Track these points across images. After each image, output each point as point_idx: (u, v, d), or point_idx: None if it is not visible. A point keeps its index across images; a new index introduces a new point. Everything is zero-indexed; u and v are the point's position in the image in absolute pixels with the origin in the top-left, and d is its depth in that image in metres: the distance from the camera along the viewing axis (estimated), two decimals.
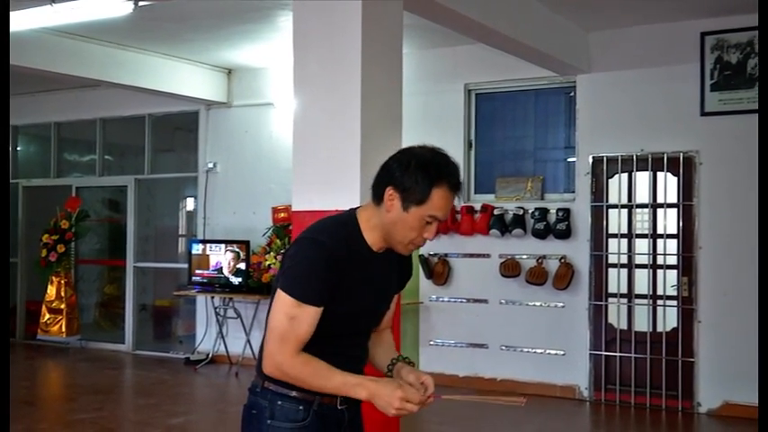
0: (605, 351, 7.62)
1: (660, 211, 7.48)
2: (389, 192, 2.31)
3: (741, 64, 7.11)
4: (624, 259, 7.60)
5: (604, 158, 7.62)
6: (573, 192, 7.87)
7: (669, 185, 7.43)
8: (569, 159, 8.03)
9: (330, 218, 2.46)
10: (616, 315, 7.64)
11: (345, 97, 4.47)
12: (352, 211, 2.44)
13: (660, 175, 7.47)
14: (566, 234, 7.71)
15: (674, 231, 7.40)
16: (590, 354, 7.67)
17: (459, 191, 2.36)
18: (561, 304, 7.78)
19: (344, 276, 2.30)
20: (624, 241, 7.60)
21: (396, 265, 2.49)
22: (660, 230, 7.47)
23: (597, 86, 7.71)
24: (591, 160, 7.68)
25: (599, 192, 7.67)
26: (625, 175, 7.61)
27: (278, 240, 8.77)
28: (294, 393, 2.33)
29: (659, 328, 7.45)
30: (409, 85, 6.55)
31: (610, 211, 7.66)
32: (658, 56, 7.45)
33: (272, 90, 9.26)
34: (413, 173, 2.29)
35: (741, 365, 7.03)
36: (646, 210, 7.57)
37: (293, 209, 4.75)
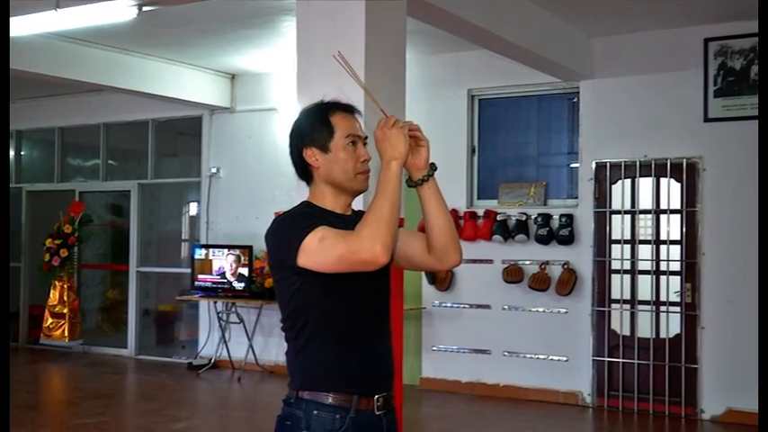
0: (608, 357, 7.60)
1: (663, 217, 7.47)
2: (306, 153, 2.38)
3: (744, 70, 7.10)
4: (627, 265, 7.58)
5: (607, 164, 7.62)
6: (576, 197, 7.88)
7: (672, 191, 7.42)
8: (572, 165, 8.03)
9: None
10: (619, 321, 7.61)
11: (348, 102, 4.47)
12: (301, 203, 2.46)
13: (663, 181, 7.45)
14: (569, 240, 7.70)
15: (678, 237, 7.39)
16: (593, 360, 7.65)
17: (353, 111, 2.45)
18: (564, 310, 7.78)
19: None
20: (627, 247, 7.59)
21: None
22: (663, 236, 7.46)
23: (600, 92, 7.72)
24: (594, 166, 7.68)
25: (602, 197, 7.67)
26: (628, 181, 7.60)
27: None
28: (330, 400, 2.28)
29: (662, 335, 7.43)
30: (412, 91, 6.54)
31: (613, 216, 7.65)
32: (662, 62, 7.46)
33: (276, 95, 9.28)
34: (305, 124, 2.41)
35: (745, 372, 7.00)
36: (649, 216, 7.55)
37: None
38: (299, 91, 4.69)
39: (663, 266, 7.45)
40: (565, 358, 7.78)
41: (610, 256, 7.63)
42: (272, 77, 9.37)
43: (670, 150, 7.38)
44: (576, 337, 7.75)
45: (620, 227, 7.62)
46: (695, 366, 7.26)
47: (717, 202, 7.23)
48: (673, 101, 7.40)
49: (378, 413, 2.34)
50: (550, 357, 7.85)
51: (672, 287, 7.40)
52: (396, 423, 2.45)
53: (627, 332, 7.58)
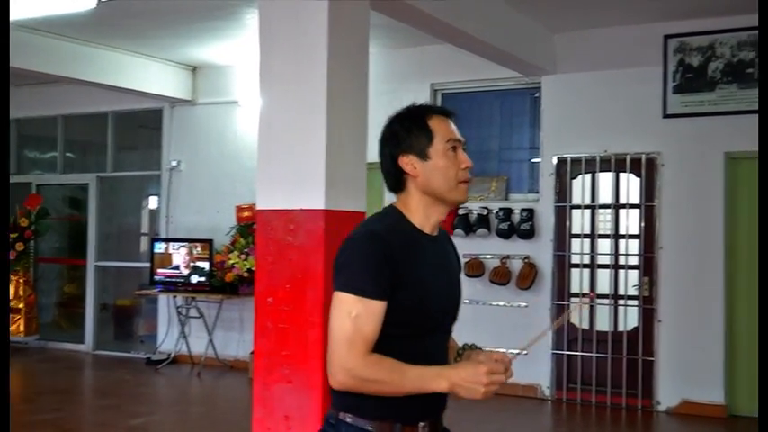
0: (567, 350, 7.73)
1: (622, 212, 7.62)
2: (402, 160, 2.20)
3: (702, 67, 7.25)
4: (586, 259, 7.72)
5: (568, 159, 7.74)
6: (537, 192, 7.98)
7: (631, 186, 7.57)
8: (533, 160, 8.14)
9: (369, 217, 2.32)
10: (578, 315, 7.73)
11: (311, 96, 4.49)
12: (388, 206, 2.27)
13: (623, 176, 7.60)
14: (529, 234, 7.81)
15: (636, 232, 7.54)
16: (552, 353, 7.77)
17: (450, 114, 2.26)
18: (524, 304, 7.87)
19: (404, 263, 2.11)
20: (587, 241, 7.73)
21: (450, 248, 2.35)
22: (622, 231, 7.61)
23: (562, 88, 7.82)
24: (555, 161, 7.80)
25: (562, 192, 7.79)
26: (588, 176, 7.74)
27: (242, 239, 8.76)
28: (370, 427, 2.13)
29: (620, 328, 7.59)
30: (376, 85, 6.57)
31: (573, 211, 7.78)
32: (622, 58, 7.58)
33: (238, 88, 9.25)
34: (402, 129, 2.22)
35: (700, 364, 7.19)
36: (608, 210, 7.70)
37: (257, 207, 4.76)
38: (262, 84, 4.70)
39: (621, 260, 7.60)
40: (525, 353, 7.83)
41: (569, 250, 7.75)
42: (235, 70, 9.34)
43: (629, 146, 7.52)
44: (535, 330, 7.75)
45: (579, 221, 7.75)
46: (652, 359, 7.41)
47: (675, 197, 7.38)
48: (633, 97, 7.53)
49: None
50: (510, 350, 7.88)
51: (630, 281, 7.56)
52: None
53: (585, 326, 7.72)
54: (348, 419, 2.15)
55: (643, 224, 7.49)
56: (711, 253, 7.20)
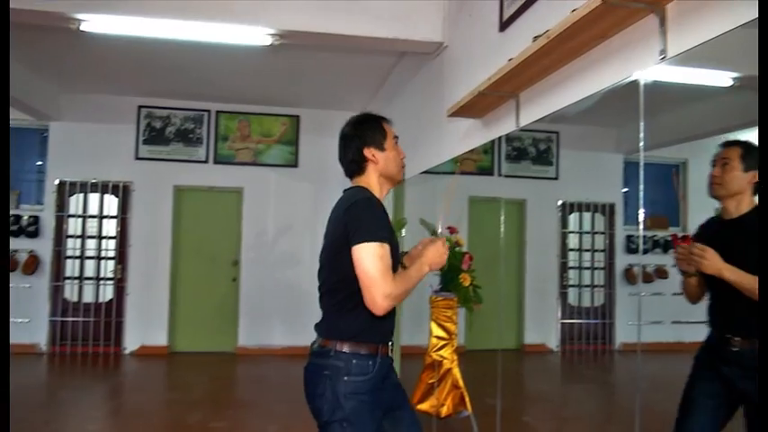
0: (61, 317, 7.94)
1: (105, 221, 8.07)
2: (367, 151, 2.33)
3: (162, 129, 8.20)
4: (78, 252, 8.02)
5: (68, 182, 8.00)
6: (43, 204, 8.06)
7: (112, 203, 8.06)
8: (42, 180, 8.15)
9: (353, 189, 2.34)
10: (70, 292, 7.97)
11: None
12: (356, 187, 2.34)
13: (106, 196, 8.06)
14: (35, 234, 7.89)
15: (114, 234, 8.08)
16: (49, 320, 7.91)
17: (389, 121, 2.42)
18: (29, 285, 7.86)
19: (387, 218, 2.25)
20: (79, 240, 8.01)
21: None
22: (105, 233, 8.08)
23: (66, 132, 8.01)
24: (57, 182, 7.98)
25: (62, 205, 8.00)
26: (82, 195, 8.03)
27: None
28: (363, 351, 2.21)
29: (101, 300, 7.98)
30: None
31: (70, 219, 7.99)
32: (112, 116, 7.94)
33: None
34: (365, 129, 2.35)
35: (153, 321, 8.01)
36: (95, 219, 8.04)
37: None
38: None
39: (103, 254, 8.07)
40: (27, 320, 7.86)
41: (66, 246, 7.99)
42: None
43: (112, 176, 8.06)
44: (37, 304, 7.88)
45: (74, 226, 8.01)
46: (121, 319, 8.03)
47: (140, 211, 8.11)
48: (117, 143, 8.04)
49: (389, 355, 2.32)
50: (18, 321, 7.82)
51: (109, 267, 8.06)
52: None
53: (76, 299, 8.00)
54: (346, 350, 2.20)
55: (119, 229, 8.06)
56: (162, 248, 8.12)
